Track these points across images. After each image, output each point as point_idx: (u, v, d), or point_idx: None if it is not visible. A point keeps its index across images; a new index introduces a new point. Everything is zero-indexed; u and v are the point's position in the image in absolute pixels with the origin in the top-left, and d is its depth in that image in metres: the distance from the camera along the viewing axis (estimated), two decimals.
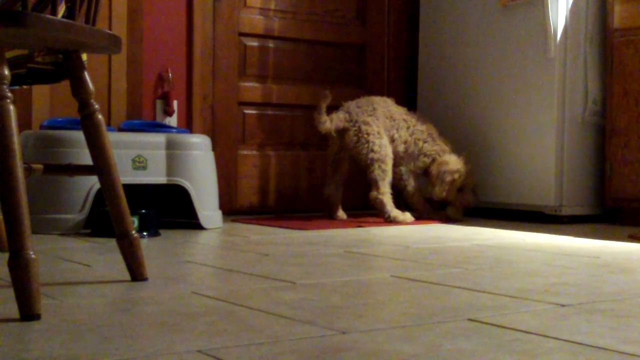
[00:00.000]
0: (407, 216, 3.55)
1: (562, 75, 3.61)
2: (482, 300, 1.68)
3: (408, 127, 3.72)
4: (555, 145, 3.59)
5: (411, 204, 3.75)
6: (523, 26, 3.73)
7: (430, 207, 3.72)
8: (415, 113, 3.85)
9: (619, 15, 3.54)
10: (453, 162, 3.64)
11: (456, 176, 3.61)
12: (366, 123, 3.58)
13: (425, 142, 3.72)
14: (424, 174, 3.74)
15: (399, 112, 3.75)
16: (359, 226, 3.39)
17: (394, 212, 3.53)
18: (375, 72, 4.37)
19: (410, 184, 3.71)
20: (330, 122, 3.53)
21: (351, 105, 3.67)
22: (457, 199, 3.68)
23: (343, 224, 3.44)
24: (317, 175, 4.17)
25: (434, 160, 3.68)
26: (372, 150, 3.56)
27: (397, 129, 3.70)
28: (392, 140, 3.67)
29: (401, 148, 3.70)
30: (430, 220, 3.62)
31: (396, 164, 3.68)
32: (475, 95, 3.94)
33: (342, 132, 3.61)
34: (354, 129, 3.58)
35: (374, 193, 3.55)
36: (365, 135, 3.57)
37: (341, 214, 3.74)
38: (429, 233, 3.14)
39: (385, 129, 3.65)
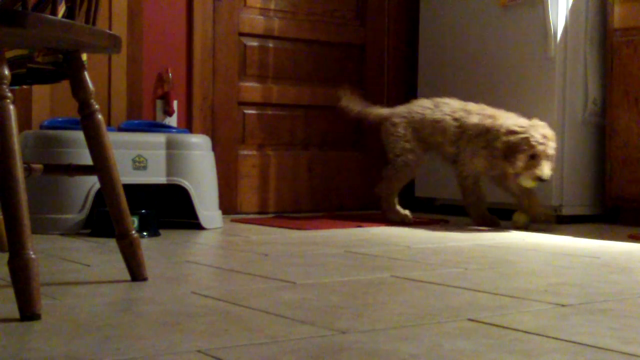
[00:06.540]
0: (407, 216, 3.55)
1: (562, 75, 3.61)
2: (482, 300, 1.68)
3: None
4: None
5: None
6: (523, 26, 3.73)
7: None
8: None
9: (619, 15, 3.54)
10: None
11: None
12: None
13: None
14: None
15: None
16: (359, 226, 3.39)
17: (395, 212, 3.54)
18: (375, 72, 4.37)
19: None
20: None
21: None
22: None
23: (343, 224, 3.43)
24: (317, 175, 4.17)
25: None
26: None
27: None
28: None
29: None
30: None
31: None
32: (475, 95, 3.93)
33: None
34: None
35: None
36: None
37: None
38: (429, 233, 3.14)
39: None
